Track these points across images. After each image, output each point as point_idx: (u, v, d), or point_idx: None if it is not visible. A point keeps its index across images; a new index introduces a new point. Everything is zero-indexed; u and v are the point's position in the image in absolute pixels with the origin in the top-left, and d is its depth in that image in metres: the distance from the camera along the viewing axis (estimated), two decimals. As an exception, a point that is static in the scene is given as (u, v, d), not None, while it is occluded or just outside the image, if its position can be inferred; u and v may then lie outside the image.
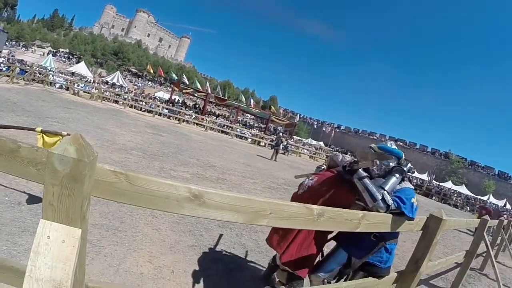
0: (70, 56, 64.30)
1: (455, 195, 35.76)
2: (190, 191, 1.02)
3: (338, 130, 77.77)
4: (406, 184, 2.00)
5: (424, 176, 38.85)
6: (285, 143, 20.76)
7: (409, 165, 2.11)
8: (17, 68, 19.37)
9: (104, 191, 0.93)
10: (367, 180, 1.88)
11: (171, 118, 22.76)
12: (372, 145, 2.21)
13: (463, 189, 39.94)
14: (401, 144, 69.39)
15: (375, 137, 74.99)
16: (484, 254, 6.16)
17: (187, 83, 36.82)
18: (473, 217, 14.40)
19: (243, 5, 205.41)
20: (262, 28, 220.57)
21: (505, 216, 12.61)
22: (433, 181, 37.08)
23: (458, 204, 29.74)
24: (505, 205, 33.13)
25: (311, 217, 1.24)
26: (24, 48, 59.31)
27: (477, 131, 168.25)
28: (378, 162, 2.04)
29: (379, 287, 2.08)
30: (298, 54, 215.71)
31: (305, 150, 27.89)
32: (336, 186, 2.06)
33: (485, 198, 35.72)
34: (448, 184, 39.59)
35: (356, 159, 2.11)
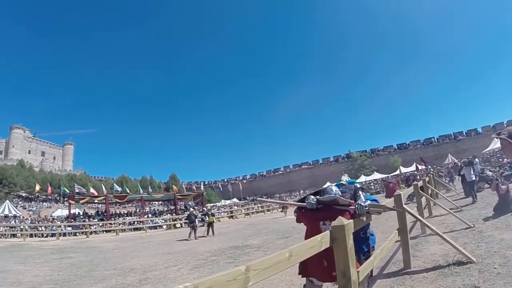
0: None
1: (372, 183, 39.98)
2: None
3: (245, 181, 79.08)
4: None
5: None
6: (200, 215, 19.03)
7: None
8: None
9: None
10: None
11: (77, 234, 20.96)
12: (344, 182, 3.51)
13: (376, 175, 44.36)
14: (305, 167, 73.16)
15: (280, 172, 78.16)
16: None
17: (83, 191, 34.87)
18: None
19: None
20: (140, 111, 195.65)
21: (418, 177, 14.51)
22: None
23: (378, 189, 33.77)
24: (416, 169, 34.69)
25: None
26: None
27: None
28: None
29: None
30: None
31: (222, 213, 28.66)
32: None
33: (397, 172, 39.66)
34: (362, 179, 41.93)
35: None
